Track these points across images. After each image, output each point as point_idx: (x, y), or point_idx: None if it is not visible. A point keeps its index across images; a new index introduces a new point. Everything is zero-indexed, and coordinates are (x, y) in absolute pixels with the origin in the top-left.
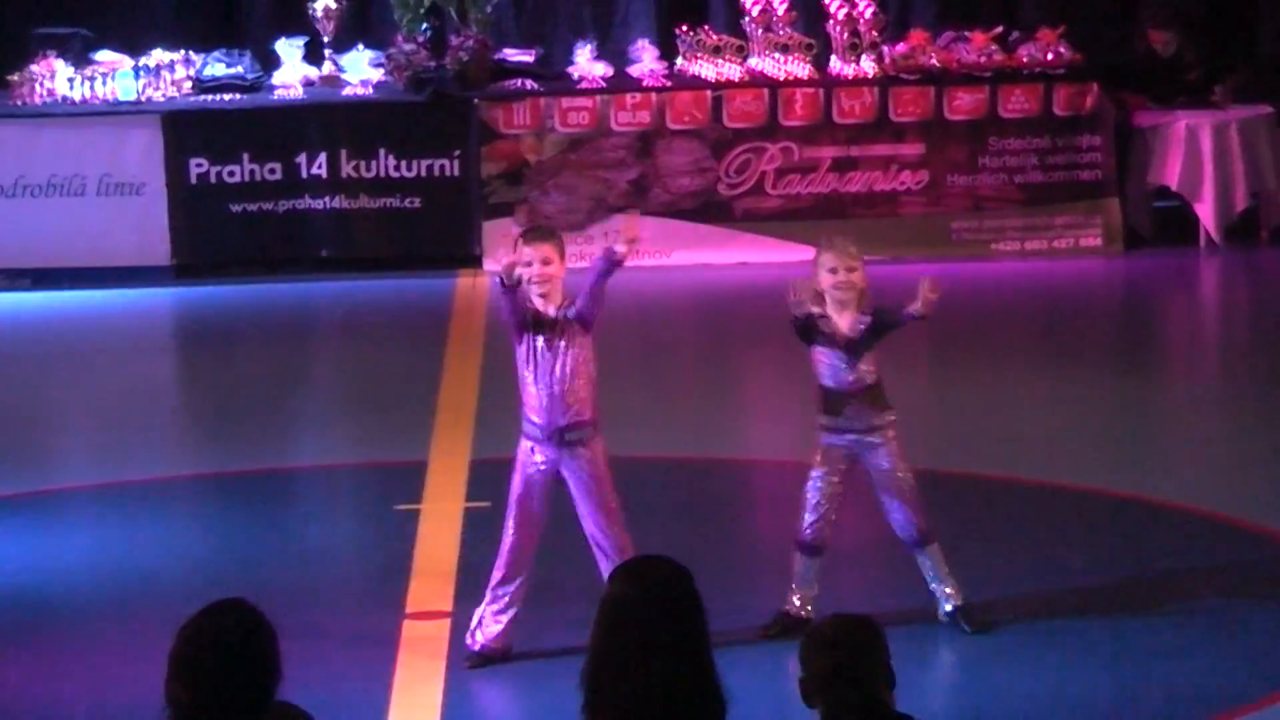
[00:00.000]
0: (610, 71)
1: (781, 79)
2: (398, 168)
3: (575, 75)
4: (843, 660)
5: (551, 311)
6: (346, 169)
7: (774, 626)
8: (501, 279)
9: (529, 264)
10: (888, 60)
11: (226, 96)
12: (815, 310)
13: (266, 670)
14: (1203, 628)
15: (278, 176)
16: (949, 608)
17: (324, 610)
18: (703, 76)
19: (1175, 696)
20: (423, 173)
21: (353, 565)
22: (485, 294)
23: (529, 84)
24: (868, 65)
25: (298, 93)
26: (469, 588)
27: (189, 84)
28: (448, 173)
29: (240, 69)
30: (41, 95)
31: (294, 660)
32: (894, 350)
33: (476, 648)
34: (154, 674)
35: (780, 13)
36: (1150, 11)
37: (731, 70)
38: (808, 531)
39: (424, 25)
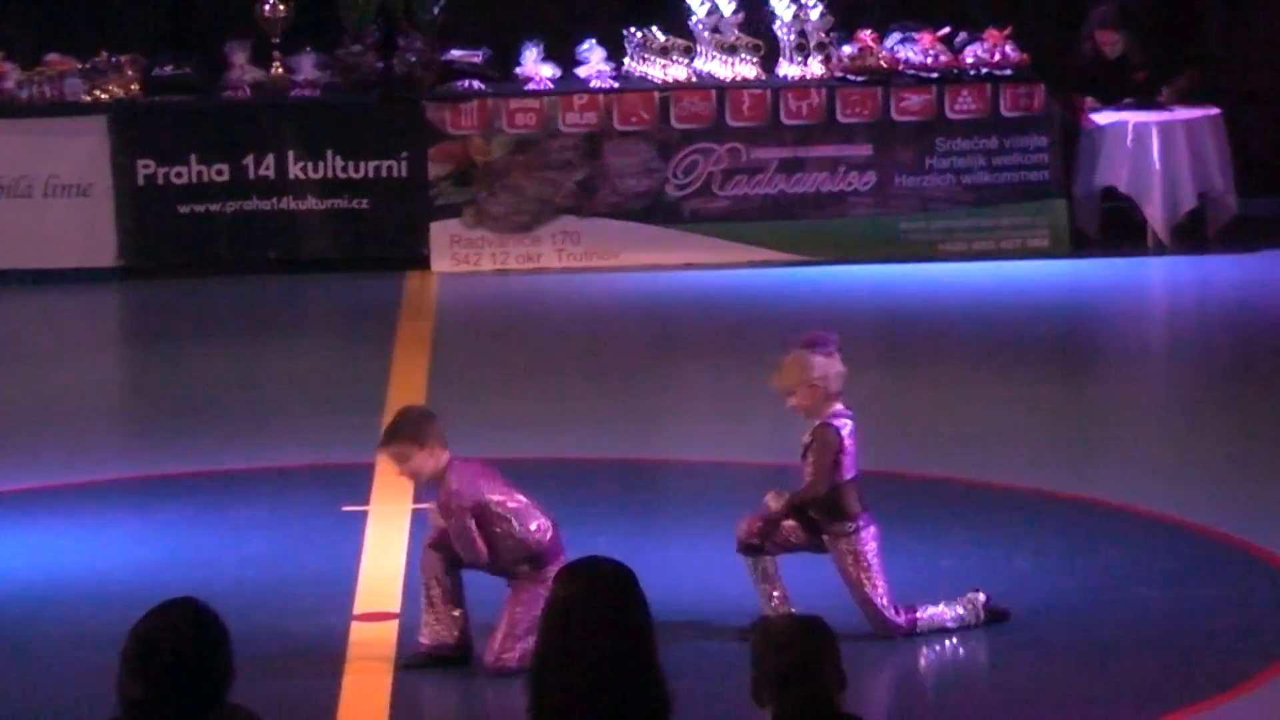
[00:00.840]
0: (558, 73)
1: (729, 80)
2: (345, 169)
3: (522, 76)
4: (794, 660)
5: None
6: (294, 170)
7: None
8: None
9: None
10: (835, 61)
11: (174, 98)
12: None
13: (218, 669)
14: (1151, 628)
15: (225, 178)
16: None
17: (272, 612)
18: (650, 77)
19: (1125, 697)
20: (370, 174)
21: (300, 567)
22: (433, 295)
23: (476, 85)
24: (815, 66)
25: (245, 94)
26: (417, 589)
27: (137, 85)
28: (395, 174)
29: (188, 70)
30: None
31: (242, 662)
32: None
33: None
34: (104, 674)
35: (727, 14)
36: (1097, 12)
37: (679, 71)
38: (755, 538)
39: (372, 27)
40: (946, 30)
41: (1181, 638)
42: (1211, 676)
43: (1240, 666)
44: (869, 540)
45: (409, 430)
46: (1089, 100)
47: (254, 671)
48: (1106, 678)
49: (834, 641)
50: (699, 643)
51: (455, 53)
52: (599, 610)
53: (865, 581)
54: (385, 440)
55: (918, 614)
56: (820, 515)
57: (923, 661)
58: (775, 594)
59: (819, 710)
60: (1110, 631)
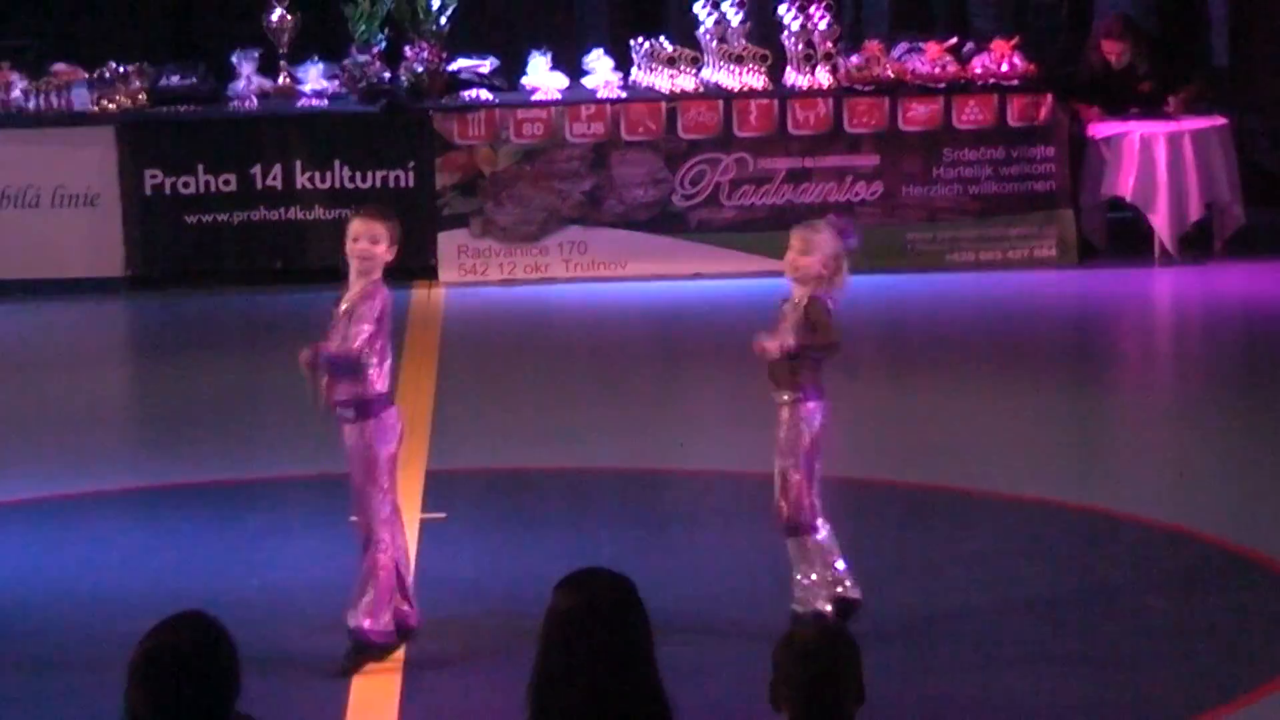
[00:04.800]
0: (565, 82)
1: (736, 90)
2: (353, 179)
3: (530, 86)
4: (816, 671)
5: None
6: (301, 180)
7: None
8: None
9: (355, 239)
10: (842, 71)
11: (181, 108)
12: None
13: (226, 682)
14: (1156, 639)
15: (232, 188)
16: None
17: (279, 623)
18: (657, 88)
19: (1129, 708)
20: (377, 184)
21: (307, 578)
22: (440, 306)
23: (484, 95)
24: (822, 76)
25: (253, 104)
26: (425, 599)
27: (144, 95)
28: (402, 184)
29: (195, 80)
30: None
31: (249, 672)
32: (847, 361)
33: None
34: (111, 685)
35: (735, 24)
36: (1103, 23)
37: (686, 81)
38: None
39: (379, 36)
40: (954, 41)
41: (1185, 647)
42: (1215, 686)
43: (1244, 677)
44: (815, 415)
45: (394, 222)
46: (1095, 110)
47: (260, 682)
48: (1109, 687)
49: (857, 655)
50: (703, 653)
51: (462, 62)
52: (598, 621)
53: (788, 460)
54: (378, 214)
55: (818, 529)
56: (779, 378)
57: (923, 672)
58: (813, 575)
59: None
60: (1113, 641)
